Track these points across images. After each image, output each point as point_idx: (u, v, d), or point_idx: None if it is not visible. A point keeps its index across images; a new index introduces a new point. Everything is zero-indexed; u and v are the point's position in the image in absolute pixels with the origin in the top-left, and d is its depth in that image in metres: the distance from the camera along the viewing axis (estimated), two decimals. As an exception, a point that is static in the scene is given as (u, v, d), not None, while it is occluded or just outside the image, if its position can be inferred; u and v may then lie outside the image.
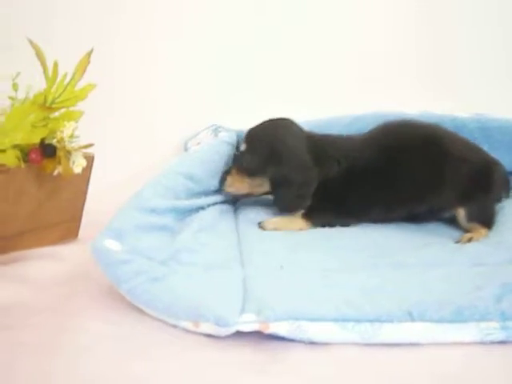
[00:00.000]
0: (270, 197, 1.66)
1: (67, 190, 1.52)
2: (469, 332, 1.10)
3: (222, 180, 1.63)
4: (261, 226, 1.57)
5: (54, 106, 1.43)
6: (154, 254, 1.30)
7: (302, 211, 1.59)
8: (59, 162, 1.43)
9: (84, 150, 1.51)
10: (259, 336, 1.09)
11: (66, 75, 1.45)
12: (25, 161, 1.41)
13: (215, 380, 1.00)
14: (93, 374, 1.01)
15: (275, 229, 1.56)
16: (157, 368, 1.02)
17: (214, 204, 1.63)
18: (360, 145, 1.63)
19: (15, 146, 1.40)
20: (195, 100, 2.02)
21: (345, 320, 1.09)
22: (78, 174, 1.48)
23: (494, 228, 1.57)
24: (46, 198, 1.48)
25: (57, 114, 1.46)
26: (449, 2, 2.15)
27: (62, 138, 1.42)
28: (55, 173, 1.44)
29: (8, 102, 1.46)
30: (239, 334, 1.08)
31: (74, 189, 1.54)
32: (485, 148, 1.71)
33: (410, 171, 1.59)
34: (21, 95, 1.47)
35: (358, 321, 1.09)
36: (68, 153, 1.44)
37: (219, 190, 1.66)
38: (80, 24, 1.89)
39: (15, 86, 1.46)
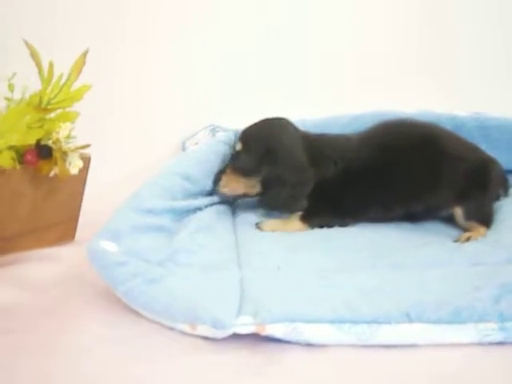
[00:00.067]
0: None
1: (64, 191, 1.51)
2: (467, 333, 1.09)
3: (217, 180, 1.61)
4: (258, 227, 1.56)
5: (49, 107, 1.43)
6: (150, 255, 1.29)
7: (300, 213, 1.58)
8: (55, 163, 1.43)
9: (81, 151, 1.50)
10: (256, 338, 1.08)
11: (61, 76, 1.45)
12: (20, 162, 1.41)
13: (212, 382, 1.00)
14: (91, 376, 1.00)
15: (273, 230, 1.55)
16: (154, 371, 1.02)
17: (212, 204, 1.61)
18: (356, 145, 1.62)
19: (11, 148, 1.39)
20: (193, 100, 2.02)
21: (341, 321, 1.08)
22: (74, 175, 1.48)
23: (493, 227, 1.56)
24: (43, 199, 1.47)
25: (53, 114, 1.46)
26: (448, 1, 2.15)
27: (57, 139, 1.42)
28: (51, 174, 1.44)
29: (4, 103, 1.45)
30: (236, 336, 1.08)
31: (71, 190, 1.54)
32: (483, 147, 1.70)
33: (406, 170, 1.58)
34: (17, 96, 1.46)
35: (354, 322, 1.08)
36: (64, 154, 1.43)
37: (216, 191, 1.65)
38: (76, 24, 1.89)
39: (11, 87, 1.45)
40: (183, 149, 1.93)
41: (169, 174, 1.53)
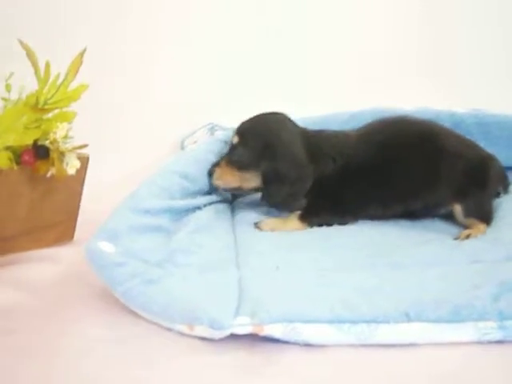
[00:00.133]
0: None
1: (62, 192, 1.51)
2: (466, 332, 1.08)
3: (211, 172, 1.59)
4: (257, 226, 1.56)
5: (46, 107, 1.42)
6: (148, 255, 1.29)
7: (299, 212, 1.58)
8: (52, 164, 1.42)
9: (79, 151, 1.50)
10: (254, 338, 1.08)
11: (58, 76, 1.44)
12: (17, 162, 1.40)
13: (210, 383, 0.99)
14: (91, 377, 1.00)
15: (271, 229, 1.54)
16: (153, 371, 1.01)
17: (210, 203, 1.61)
18: (355, 141, 1.61)
19: (7, 148, 1.38)
20: (192, 99, 2.02)
21: (340, 321, 1.07)
22: (72, 175, 1.47)
23: (493, 224, 1.56)
24: (40, 199, 1.47)
25: (50, 115, 1.45)
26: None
27: (55, 140, 1.41)
28: (49, 174, 1.43)
29: (0, 104, 1.45)
30: (234, 337, 1.07)
31: (69, 190, 1.53)
32: (483, 143, 1.70)
33: (405, 168, 1.58)
34: (14, 96, 1.45)
35: (353, 322, 1.07)
36: (61, 154, 1.43)
37: (215, 190, 1.64)
38: (73, 24, 1.88)
39: (8, 87, 1.45)
40: (182, 148, 1.92)
41: (167, 173, 1.52)
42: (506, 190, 1.70)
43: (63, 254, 1.48)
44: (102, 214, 1.38)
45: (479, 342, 1.08)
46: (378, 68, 2.13)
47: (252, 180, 1.58)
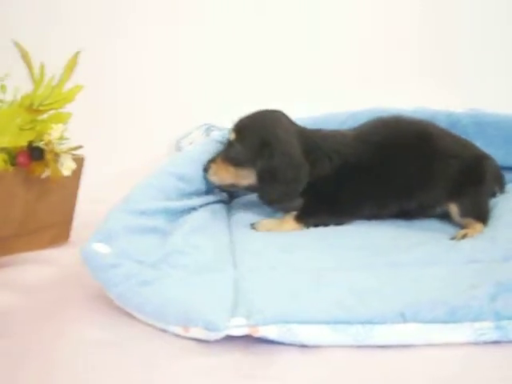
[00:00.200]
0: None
1: (57, 193, 1.51)
2: (463, 332, 1.08)
3: (206, 168, 1.58)
4: (253, 227, 1.55)
5: (41, 108, 1.42)
6: (144, 256, 1.28)
7: (295, 212, 1.57)
8: (47, 165, 1.42)
9: (74, 152, 1.49)
10: (250, 339, 1.07)
11: (53, 77, 1.44)
12: (12, 164, 1.40)
13: (206, 385, 0.99)
14: (85, 380, 0.99)
15: (268, 230, 1.54)
16: (148, 374, 1.01)
17: (207, 204, 1.60)
18: (352, 141, 1.61)
19: (2, 150, 1.39)
20: (188, 99, 2.01)
21: (336, 322, 1.07)
22: (67, 177, 1.47)
23: (489, 223, 1.56)
24: (36, 201, 1.47)
25: (45, 116, 1.45)
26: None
27: (50, 141, 1.41)
28: (44, 176, 1.43)
29: (-4, 105, 1.45)
30: (230, 338, 1.07)
31: (65, 191, 1.53)
32: (479, 143, 1.70)
33: (400, 168, 1.58)
34: (8, 97, 1.45)
35: (349, 323, 1.07)
36: (56, 155, 1.42)
37: (211, 190, 1.64)
38: (68, 25, 1.88)
39: (3, 88, 1.45)
40: (178, 149, 1.92)
41: (162, 174, 1.52)
42: (502, 190, 1.70)
43: (59, 255, 1.48)
44: (98, 216, 1.38)
45: (476, 343, 1.08)
46: (377, 67, 2.13)
47: (247, 177, 1.57)
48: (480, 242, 1.44)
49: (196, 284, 1.22)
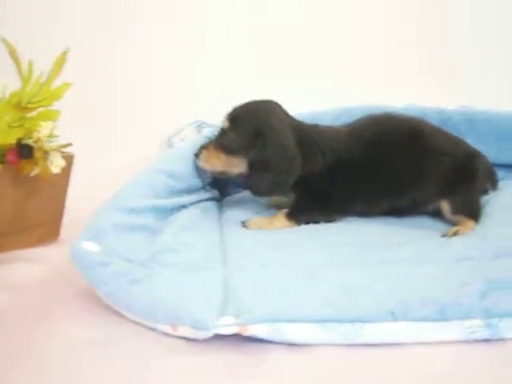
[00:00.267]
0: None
1: (47, 191, 1.50)
2: (453, 330, 1.08)
3: (197, 154, 1.57)
4: (244, 225, 1.54)
5: (29, 105, 1.41)
6: (133, 255, 1.28)
7: (286, 210, 1.57)
8: (37, 163, 1.41)
9: (64, 150, 1.49)
10: (240, 338, 1.07)
11: (42, 74, 1.43)
12: (1, 162, 1.39)
13: (195, 384, 0.98)
14: (74, 379, 0.99)
15: (259, 228, 1.53)
16: (136, 373, 1.00)
17: (198, 202, 1.59)
18: (344, 137, 1.60)
19: (-9, 147, 1.38)
20: (179, 96, 2.00)
21: (325, 321, 1.06)
22: (57, 174, 1.46)
23: (481, 220, 1.55)
24: (25, 199, 1.46)
25: (34, 113, 1.44)
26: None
27: (39, 139, 1.40)
28: (33, 174, 1.42)
29: (-16, 103, 1.44)
30: (219, 337, 1.06)
31: (54, 189, 1.52)
32: (470, 140, 1.69)
33: (391, 165, 1.58)
34: (-2, 95, 1.45)
35: (338, 321, 1.06)
36: (46, 153, 1.41)
37: (202, 188, 1.63)
38: (57, 22, 1.87)
39: (-9, 86, 1.44)
40: (169, 145, 1.91)
41: (152, 171, 1.51)
42: (494, 187, 1.70)
43: (48, 253, 1.47)
44: (88, 213, 1.37)
45: (466, 341, 1.07)
46: (374, 65, 2.13)
47: (238, 166, 1.56)
48: (471, 240, 1.43)
49: (185, 282, 1.21)
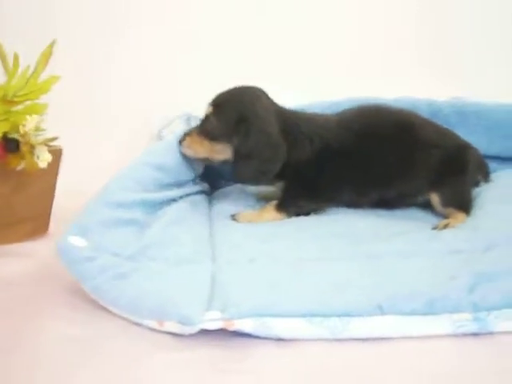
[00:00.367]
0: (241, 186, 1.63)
1: (34, 185, 1.49)
2: (441, 324, 1.07)
3: (181, 140, 1.56)
4: (234, 218, 1.53)
5: (15, 99, 1.40)
6: (120, 249, 1.27)
7: (275, 202, 1.56)
8: (23, 157, 1.39)
9: (52, 144, 1.48)
10: (226, 333, 1.06)
11: (28, 67, 1.42)
12: (-13, 156, 1.38)
13: (179, 380, 0.97)
14: (61, 376, 0.98)
15: (249, 221, 1.52)
16: (122, 370, 0.99)
17: (187, 195, 1.58)
18: (334, 126, 1.59)
19: (-24, 141, 1.36)
20: (169, 88, 1.99)
21: (312, 315, 1.05)
22: (45, 169, 1.45)
23: (472, 213, 1.55)
24: (12, 193, 1.45)
25: (20, 107, 1.43)
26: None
27: (25, 132, 1.39)
28: (19, 168, 1.41)
29: (-31, 96, 1.43)
30: (206, 332, 1.05)
31: (42, 184, 1.51)
32: (461, 132, 1.69)
33: (379, 156, 1.57)
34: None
35: (325, 316, 1.06)
36: (32, 147, 1.40)
37: (192, 181, 1.62)
38: (43, 14, 1.85)
39: (-23, 79, 1.42)
40: (159, 138, 1.89)
41: (140, 165, 1.49)
42: (485, 179, 1.69)
43: (37, 248, 1.47)
44: (78, 208, 1.36)
45: (454, 335, 1.07)
46: (372, 58, 2.12)
47: (222, 152, 1.54)
48: (462, 232, 1.43)
49: (173, 277, 1.20)
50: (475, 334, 1.07)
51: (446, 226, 1.48)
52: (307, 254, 1.32)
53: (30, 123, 1.37)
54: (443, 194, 1.55)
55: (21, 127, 1.38)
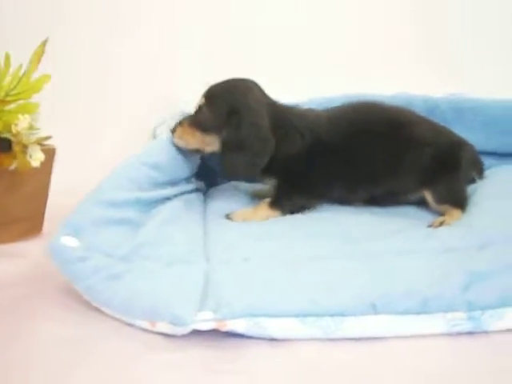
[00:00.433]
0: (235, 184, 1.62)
1: (28, 185, 1.48)
2: (435, 323, 1.06)
3: (172, 131, 1.56)
4: (228, 217, 1.52)
5: (8, 98, 1.39)
6: (113, 249, 1.26)
7: (268, 199, 1.55)
8: (15, 157, 1.39)
9: (45, 143, 1.47)
10: (219, 333, 1.05)
11: (20, 67, 1.41)
12: (-20, 156, 1.37)
13: (174, 381, 0.97)
14: (55, 378, 0.97)
15: (243, 220, 1.51)
16: (114, 370, 0.99)
17: (182, 194, 1.57)
18: (325, 122, 1.59)
19: (-32, 141, 1.36)
20: (164, 86, 1.98)
21: (305, 315, 1.05)
22: (38, 168, 1.44)
23: (467, 210, 1.54)
24: (5, 193, 1.44)
25: (13, 106, 1.42)
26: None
27: (18, 132, 1.38)
28: (12, 167, 1.40)
29: (-39, 96, 1.42)
30: (199, 332, 1.04)
31: (36, 183, 1.50)
32: (458, 128, 1.68)
33: (369, 153, 1.56)
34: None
35: (318, 315, 1.05)
36: (24, 147, 1.39)
37: (187, 179, 1.61)
38: (35, 13, 1.84)
39: (-31, 78, 1.41)
40: (154, 136, 1.88)
41: (134, 163, 1.48)
42: (480, 176, 1.69)
43: (30, 248, 1.46)
44: (72, 207, 1.35)
45: (448, 334, 1.06)
46: (362, 54, 2.11)
47: (213, 144, 1.54)
48: (457, 230, 1.42)
49: (166, 277, 1.19)
50: (470, 333, 1.06)
51: (441, 224, 1.47)
52: (302, 252, 1.32)
53: (22, 123, 1.37)
54: (436, 191, 1.55)
55: (13, 127, 1.37)
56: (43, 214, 1.55)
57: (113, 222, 1.33)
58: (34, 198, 1.51)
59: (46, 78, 1.42)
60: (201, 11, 2.02)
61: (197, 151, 1.57)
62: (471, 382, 0.96)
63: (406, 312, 1.06)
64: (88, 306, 1.16)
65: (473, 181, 1.65)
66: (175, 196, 1.55)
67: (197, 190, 1.66)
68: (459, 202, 1.54)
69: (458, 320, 1.06)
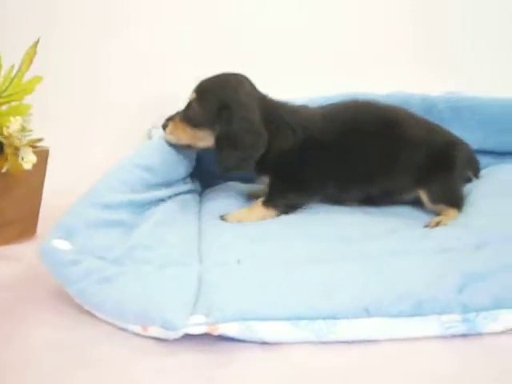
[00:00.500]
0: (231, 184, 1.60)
1: (21, 187, 1.47)
2: (430, 326, 1.05)
3: (164, 126, 1.55)
4: (223, 218, 1.51)
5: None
6: (105, 252, 1.24)
7: (262, 199, 1.54)
8: (7, 159, 1.37)
9: (38, 145, 1.46)
10: (211, 337, 1.04)
11: (12, 67, 1.40)
12: (-28, 159, 1.36)
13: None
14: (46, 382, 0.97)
15: (238, 221, 1.50)
16: (104, 375, 0.98)
17: (176, 195, 1.56)
18: (319, 119, 1.58)
19: (-41, 144, 1.35)
20: (159, 87, 1.97)
21: (297, 318, 1.04)
22: (31, 170, 1.43)
23: (464, 210, 1.53)
24: (-2, 196, 1.43)
25: (4, 108, 1.41)
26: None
27: (9, 134, 1.37)
28: (4, 170, 1.39)
29: (-47, 98, 1.41)
30: (191, 336, 1.03)
31: (29, 185, 1.49)
32: (456, 127, 1.68)
33: (363, 153, 1.56)
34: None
35: (311, 318, 1.04)
36: (16, 149, 1.38)
37: (182, 180, 1.60)
38: (27, 14, 1.83)
39: (-41, 80, 1.40)
40: (150, 138, 1.88)
41: (128, 165, 1.47)
42: (476, 175, 1.68)
43: (24, 251, 1.45)
44: (66, 209, 1.34)
45: (443, 337, 1.05)
46: (360, 52, 2.11)
47: (204, 139, 1.53)
48: (453, 230, 1.41)
49: (158, 280, 1.18)
50: (464, 336, 1.05)
51: (438, 224, 1.46)
52: (296, 254, 1.31)
53: (13, 125, 1.35)
54: (431, 191, 1.54)
55: (4, 129, 1.36)
56: (37, 216, 1.54)
57: (105, 225, 1.32)
58: (28, 200, 1.50)
59: (38, 79, 1.41)
60: (201, 13, 2.01)
61: (188, 147, 1.56)
62: (466, 385, 0.95)
63: (399, 315, 1.05)
64: (81, 309, 1.15)
65: (469, 180, 1.64)
66: (169, 197, 1.54)
67: (192, 190, 1.64)
68: (455, 201, 1.53)
69: (453, 322, 1.05)
